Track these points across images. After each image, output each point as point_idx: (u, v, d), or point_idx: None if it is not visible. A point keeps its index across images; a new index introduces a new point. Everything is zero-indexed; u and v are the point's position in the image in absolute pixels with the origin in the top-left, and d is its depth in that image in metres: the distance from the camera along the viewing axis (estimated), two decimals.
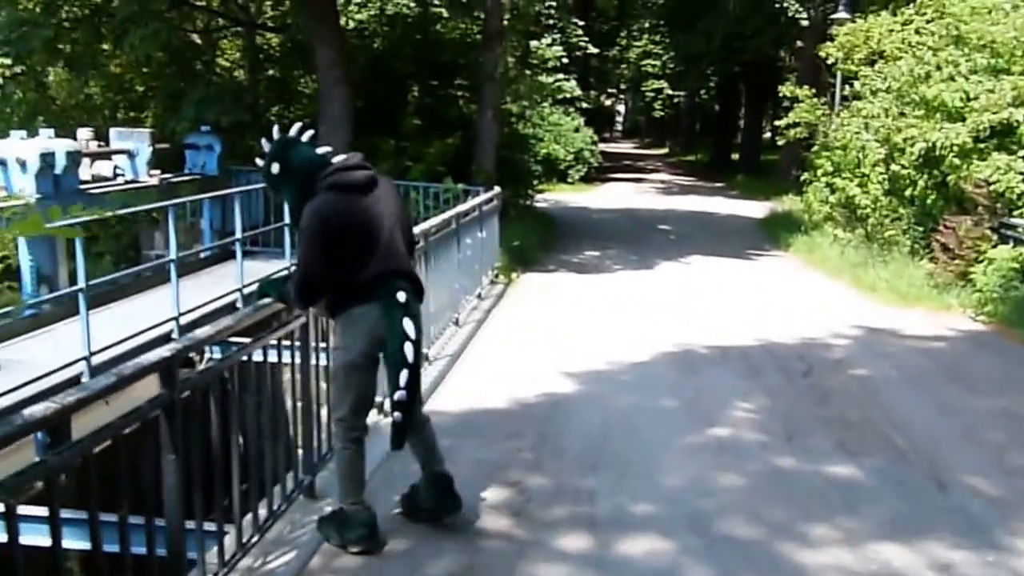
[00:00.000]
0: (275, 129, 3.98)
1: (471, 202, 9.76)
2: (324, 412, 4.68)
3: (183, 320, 8.15)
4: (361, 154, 4.02)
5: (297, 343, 4.30)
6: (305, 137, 3.90)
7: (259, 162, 3.94)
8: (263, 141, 3.95)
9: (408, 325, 3.75)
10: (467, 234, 9.11)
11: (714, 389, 6.78)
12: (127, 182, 10.32)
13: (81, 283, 6.60)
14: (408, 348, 3.75)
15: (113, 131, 10.89)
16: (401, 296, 3.77)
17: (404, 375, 3.76)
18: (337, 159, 3.89)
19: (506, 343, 8.07)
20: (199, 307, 8.56)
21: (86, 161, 10.30)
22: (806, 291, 11.60)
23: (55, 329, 7.50)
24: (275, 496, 4.13)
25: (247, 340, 3.99)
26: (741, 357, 7.83)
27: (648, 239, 16.69)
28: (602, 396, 6.49)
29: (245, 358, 3.90)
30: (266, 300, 4.00)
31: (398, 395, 3.78)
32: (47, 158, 8.52)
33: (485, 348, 7.86)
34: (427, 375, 6.73)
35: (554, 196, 24.34)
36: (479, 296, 9.81)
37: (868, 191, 13.84)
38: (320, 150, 3.88)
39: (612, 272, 12.68)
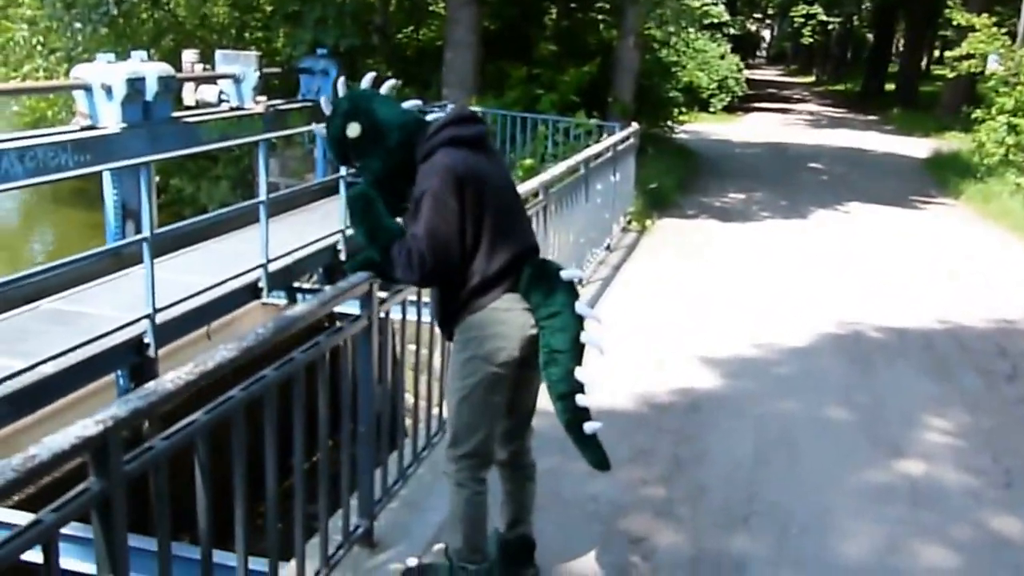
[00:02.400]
0: (341, 82, 2.97)
1: (604, 142, 8.45)
2: (391, 417, 3.62)
3: (276, 266, 7.25)
4: (467, 106, 3.05)
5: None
6: (385, 89, 2.92)
7: (318, 129, 2.95)
8: (322, 100, 2.97)
9: (582, 307, 2.80)
10: (598, 179, 7.86)
11: (896, 395, 5.39)
12: (231, 109, 9.45)
13: (145, 231, 5.69)
14: (586, 336, 2.77)
15: (219, 53, 10.00)
16: (566, 274, 2.83)
17: (582, 373, 2.78)
18: (433, 115, 2.91)
19: (635, 311, 6.83)
20: (297, 250, 7.65)
21: (191, 86, 9.47)
22: (988, 253, 9.85)
23: (131, 273, 6.68)
24: (309, 557, 3.08)
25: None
26: (924, 346, 6.37)
27: (798, 180, 14.98)
28: (752, 398, 5.21)
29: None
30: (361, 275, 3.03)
31: (581, 399, 2.80)
32: (135, 83, 7.64)
33: (608, 317, 6.61)
34: None
35: (694, 127, 22.68)
36: (608, 248, 8.58)
37: None
38: (408, 104, 2.93)
39: (759, 220, 11.16)
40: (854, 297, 7.55)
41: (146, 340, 5.77)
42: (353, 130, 2.79)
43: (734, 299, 7.36)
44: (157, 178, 13.72)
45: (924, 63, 36.65)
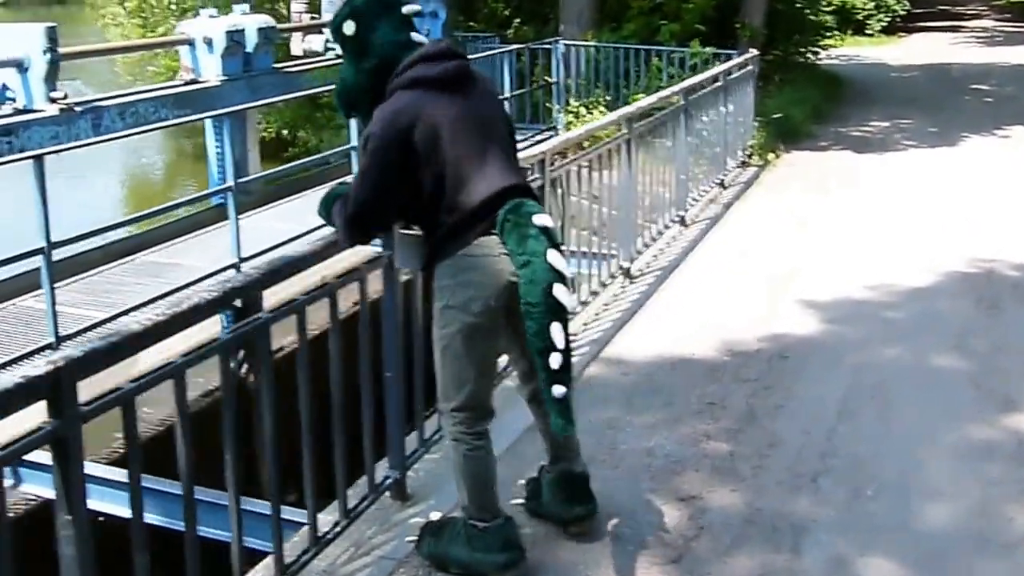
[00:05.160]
0: None
1: (709, 71, 7.92)
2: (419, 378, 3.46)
3: None
4: (448, 41, 2.88)
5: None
6: (408, 9, 2.73)
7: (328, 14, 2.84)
8: None
9: (555, 258, 2.57)
10: (704, 111, 7.39)
11: (1021, 342, 4.80)
12: (337, 56, 9.44)
13: (229, 180, 5.75)
14: (560, 291, 2.56)
15: (325, 2, 9.99)
16: (540, 219, 2.59)
17: (558, 330, 2.56)
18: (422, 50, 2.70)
19: (739, 251, 6.40)
20: None
21: (298, 36, 9.54)
22: None
23: (227, 225, 6.78)
24: (329, 508, 3.00)
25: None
26: None
27: (955, 103, 13.73)
28: (851, 345, 4.76)
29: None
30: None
31: (555, 359, 2.57)
32: (235, 36, 7.76)
33: (709, 258, 6.25)
34: (618, 302, 5.34)
35: (847, 51, 21.27)
36: (721, 184, 8.09)
37: None
38: (418, 37, 2.73)
39: (901, 150, 10.29)
40: (996, 233, 6.79)
41: None
42: (349, 28, 2.68)
43: (855, 236, 6.78)
44: (285, 131, 14.11)
45: None
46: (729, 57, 9.17)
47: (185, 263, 6.20)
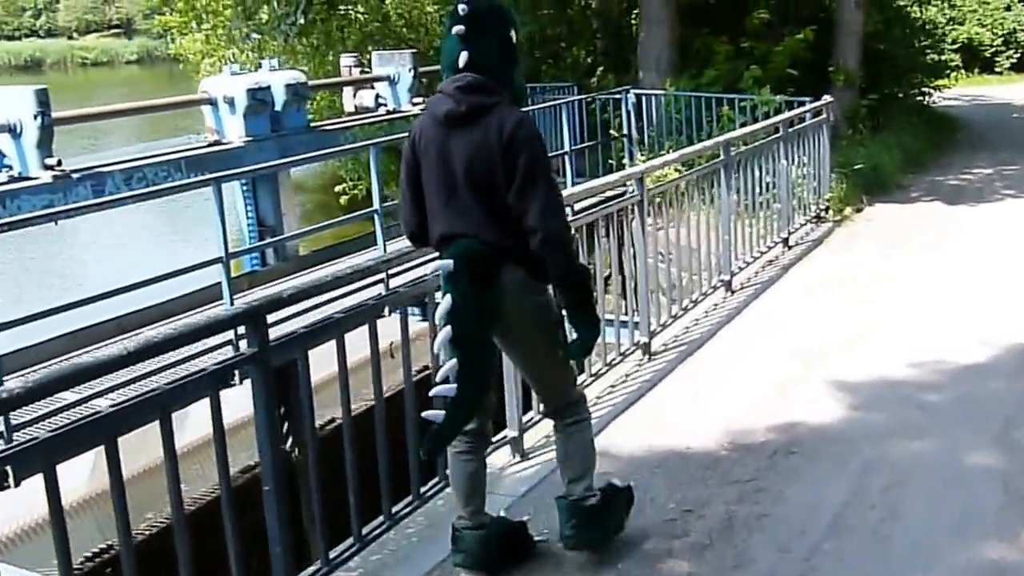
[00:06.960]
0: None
1: (756, 125, 7.44)
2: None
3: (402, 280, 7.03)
4: (472, 76, 2.87)
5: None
6: (455, 30, 2.87)
7: None
8: None
9: (443, 304, 2.89)
10: (756, 165, 6.92)
11: None
12: (388, 112, 9.29)
13: (220, 251, 5.62)
14: (441, 336, 2.91)
15: (375, 55, 9.91)
16: (448, 264, 2.88)
17: (452, 366, 2.90)
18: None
19: (781, 322, 5.88)
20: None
21: (349, 91, 9.50)
22: None
23: (254, 293, 6.70)
24: None
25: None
26: None
27: None
28: (873, 436, 4.19)
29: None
30: None
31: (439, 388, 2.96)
32: (257, 94, 7.53)
33: (745, 331, 5.75)
34: (628, 383, 4.94)
35: (971, 90, 20.17)
36: (785, 242, 7.56)
37: None
38: (463, 57, 2.86)
39: (997, 200, 9.42)
40: None
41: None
42: None
43: (918, 302, 6.14)
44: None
45: None
46: (801, 104, 8.63)
47: None
